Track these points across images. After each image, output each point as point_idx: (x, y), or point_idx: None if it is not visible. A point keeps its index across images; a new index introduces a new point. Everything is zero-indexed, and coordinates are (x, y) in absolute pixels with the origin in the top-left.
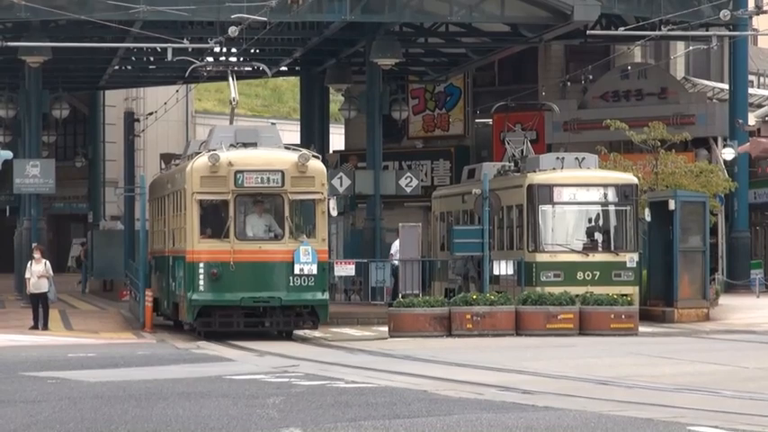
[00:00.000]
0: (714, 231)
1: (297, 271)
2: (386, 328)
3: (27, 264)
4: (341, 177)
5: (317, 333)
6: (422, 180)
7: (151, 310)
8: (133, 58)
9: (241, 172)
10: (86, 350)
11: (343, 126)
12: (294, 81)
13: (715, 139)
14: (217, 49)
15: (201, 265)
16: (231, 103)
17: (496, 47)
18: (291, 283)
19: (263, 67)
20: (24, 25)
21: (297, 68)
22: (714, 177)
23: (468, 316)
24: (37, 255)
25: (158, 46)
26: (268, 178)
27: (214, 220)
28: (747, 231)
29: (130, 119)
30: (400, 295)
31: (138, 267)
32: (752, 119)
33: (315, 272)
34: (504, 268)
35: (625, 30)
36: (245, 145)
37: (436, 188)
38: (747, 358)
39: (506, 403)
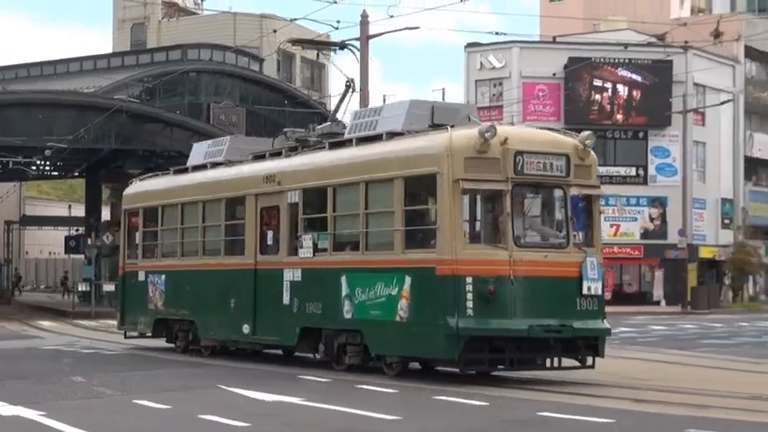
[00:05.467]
0: None
1: (585, 290)
2: None
3: None
4: None
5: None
6: None
7: None
8: None
9: (521, 153)
10: None
11: (109, 207)
12: (81, 181)
13: None
14: (39, 162)
15: (470, 279)
16: (349, 85)
17: None
18: (578, 307)
19: None
20: None
21: (84, 173)
22: None
23: None
24: None
25: (3, 160)
26: (551, 164)
27: (478, 217)
28: None
29: None
30: None
31: None
32: None
33: (600, 292)
34: None
35: None
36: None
37: None
38: None
39: (219, 366)
